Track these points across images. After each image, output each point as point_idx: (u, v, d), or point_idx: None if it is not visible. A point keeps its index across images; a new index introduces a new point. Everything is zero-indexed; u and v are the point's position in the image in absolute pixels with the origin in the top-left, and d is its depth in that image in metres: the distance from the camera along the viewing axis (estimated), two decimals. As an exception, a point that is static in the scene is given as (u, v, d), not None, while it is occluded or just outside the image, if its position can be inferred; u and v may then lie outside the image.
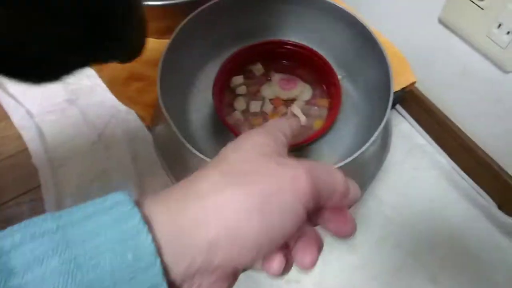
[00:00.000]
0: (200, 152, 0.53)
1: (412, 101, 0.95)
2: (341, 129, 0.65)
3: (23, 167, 0.85)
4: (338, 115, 0.63)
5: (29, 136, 0.88)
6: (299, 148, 0.63)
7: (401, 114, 0.98)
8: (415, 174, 0.92)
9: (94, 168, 0.88)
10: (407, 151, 0.95)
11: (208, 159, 0.52)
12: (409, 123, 0.98)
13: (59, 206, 0.82)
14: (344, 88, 0.64)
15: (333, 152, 0.63)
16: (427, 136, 0.95)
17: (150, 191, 0.91)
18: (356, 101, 0.67)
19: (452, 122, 0.88)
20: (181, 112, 0.69)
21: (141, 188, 0.90)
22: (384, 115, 0.55)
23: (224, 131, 0.65)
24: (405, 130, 0.98)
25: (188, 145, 0.53)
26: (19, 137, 0.88)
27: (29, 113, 0.91)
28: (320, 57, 0.68)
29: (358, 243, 0.83)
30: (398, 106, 0.98)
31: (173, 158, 0.68)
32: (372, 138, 0.51)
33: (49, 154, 0.87)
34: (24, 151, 0.87)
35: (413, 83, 0.73)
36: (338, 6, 0.67)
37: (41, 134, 0.89)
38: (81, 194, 0.86)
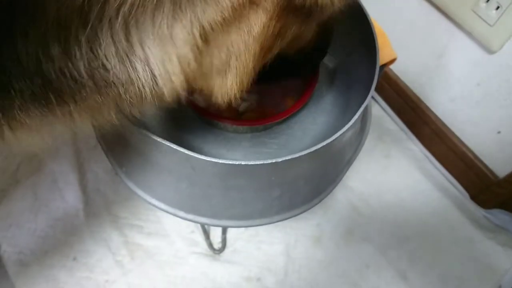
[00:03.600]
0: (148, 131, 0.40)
1: (384, 83, 0.88)
2: (314, 106, 0.56)
3: None
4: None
5: None
6: (268, 126, 0.53)
7: (372, 96, 0.91)
8: (386, 162, 0.85)
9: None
10: (377, 137, 0.88)
11: (159, 139, 0.40)
12: (381, 106, 0.91)
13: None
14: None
15: (305, 133, 0.54)
16: (399, 121, 0.88)
17: (92, 175, 0.79)
18: (332, 74, 0.58)
19: (426, 107, 0.82)
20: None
21: (80, 172, 0.79)
22: (368, 91, 0.47)
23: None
24: (375, 113, 0.91)
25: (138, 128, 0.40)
26: None
27: None
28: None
29: (324, 236, 0.76)
30: (368, 88, 0.91)
31: (116, 139, 0.55)
32: (355, 117, 0.43)
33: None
34: None
35: (394, 59, 0.65)
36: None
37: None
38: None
